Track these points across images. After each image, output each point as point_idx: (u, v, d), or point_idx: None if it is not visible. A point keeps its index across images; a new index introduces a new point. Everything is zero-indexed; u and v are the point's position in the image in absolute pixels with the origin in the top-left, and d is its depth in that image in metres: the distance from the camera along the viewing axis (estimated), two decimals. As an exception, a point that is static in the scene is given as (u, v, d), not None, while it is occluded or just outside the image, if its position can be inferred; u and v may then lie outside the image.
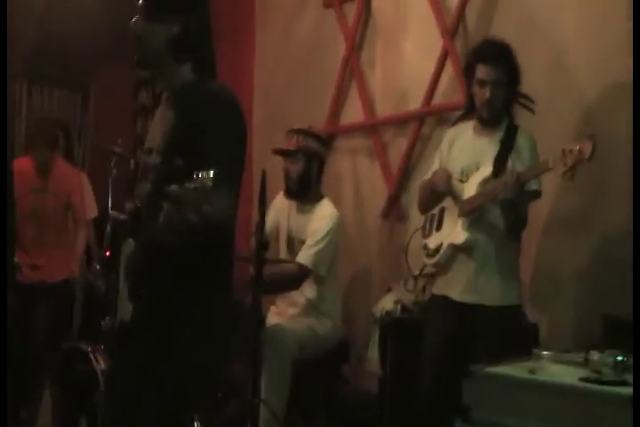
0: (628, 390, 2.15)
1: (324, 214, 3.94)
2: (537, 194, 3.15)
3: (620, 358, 2.25)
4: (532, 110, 3.23)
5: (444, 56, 4.09)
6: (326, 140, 4.07)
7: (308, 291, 3.91)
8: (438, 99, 4.15)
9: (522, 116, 3.28)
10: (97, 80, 5.60)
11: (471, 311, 3.15)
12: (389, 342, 3.65)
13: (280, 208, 4.10)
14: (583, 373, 2.34)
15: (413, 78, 4.29)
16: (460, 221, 3.19)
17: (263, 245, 3.23)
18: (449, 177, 3.23)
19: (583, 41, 3.51)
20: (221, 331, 2.32)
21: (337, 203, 4.15)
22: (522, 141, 3.16)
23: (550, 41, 3.65)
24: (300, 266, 3.83)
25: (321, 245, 3.86)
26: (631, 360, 2.27)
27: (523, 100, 3.24)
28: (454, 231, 3.20)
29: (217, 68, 2.43)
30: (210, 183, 1.94)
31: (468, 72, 3.25)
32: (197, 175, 1.96)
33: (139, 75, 6.05)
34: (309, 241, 3.88)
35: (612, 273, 3.27)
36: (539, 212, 3.41)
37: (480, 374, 2.41)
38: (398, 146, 4.37)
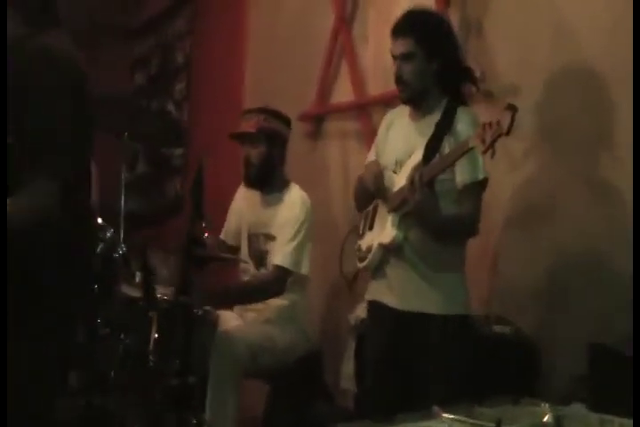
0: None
1: (293, 203, 3.42)
2: (483, 183, 2.64)
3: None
4: (475, 86, 2.73)
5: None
6: (289, 119, 3.56)
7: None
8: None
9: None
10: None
11: (411, 321, 2.67)
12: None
13: (242, 202, 3.61)
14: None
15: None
16: (389, 218, 2.70)
17: (195, 240, 2.87)
18: (379, 173, 2.75)
19: (589, 8, 2.99)
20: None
21: (324, 192, 3.73)
22: (460, 124, 2.64)
23: (554, 8, 3.12)
24: (278, 269, 3.32)
25: (298, 240, 3.34)
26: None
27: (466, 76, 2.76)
28: (384, 230, 2.72)
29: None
30: None
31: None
32: None
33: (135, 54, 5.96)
34: (283, 236, 3.36)
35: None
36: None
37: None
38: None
